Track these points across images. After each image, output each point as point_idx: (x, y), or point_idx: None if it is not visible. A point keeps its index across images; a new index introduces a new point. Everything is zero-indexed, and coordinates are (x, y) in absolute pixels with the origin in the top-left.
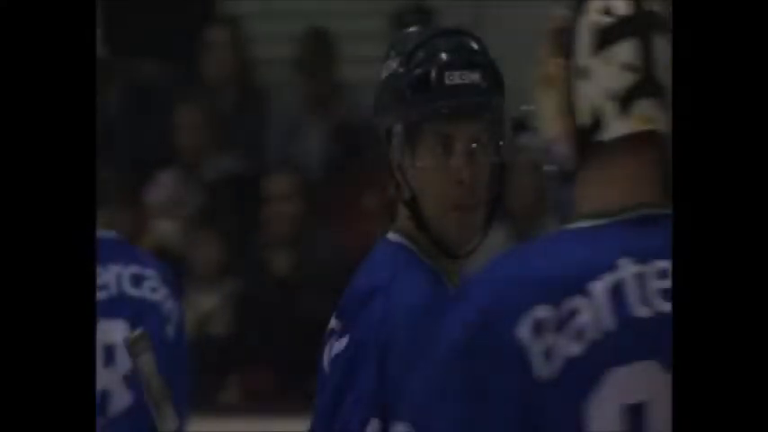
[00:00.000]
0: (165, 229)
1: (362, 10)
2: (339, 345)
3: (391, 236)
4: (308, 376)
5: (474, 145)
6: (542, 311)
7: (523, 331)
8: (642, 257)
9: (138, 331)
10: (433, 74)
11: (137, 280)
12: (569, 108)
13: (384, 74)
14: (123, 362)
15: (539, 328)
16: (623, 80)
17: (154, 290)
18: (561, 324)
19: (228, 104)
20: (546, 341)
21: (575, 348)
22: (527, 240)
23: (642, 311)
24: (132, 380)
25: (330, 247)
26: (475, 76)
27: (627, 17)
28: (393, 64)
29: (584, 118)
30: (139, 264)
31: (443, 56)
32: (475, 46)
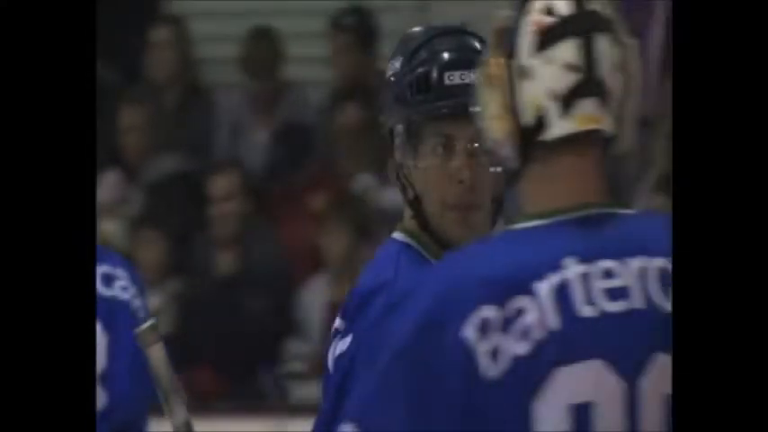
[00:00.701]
0: (109, 229)
1: (307, 9)
2: (342, 344)
3: (396, 235)
4: (251, 376)
5: (475, 145)
6: (488, 311)
7: (469, 331)
8: (587, 257)
9: (148, 322)
10: (434, 74)
11: (108, 279)
12: (512, 108)
13: (388, 74)
14: (98, 362)
15: (484, 328)
16: (565, 80)
17: (124, 289)
18: (507, 324)
19: (173, 104)
20: (492, 341)
21: (520, 348)
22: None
23: (587, 311)
24: (106, 380)
25: (274, 248)
26: (475, 76)
27: (568, 17)
28: (396, 64)
29: (526, 118)
30: (109, 263)
31: (444, 56)
32: (476, 45)
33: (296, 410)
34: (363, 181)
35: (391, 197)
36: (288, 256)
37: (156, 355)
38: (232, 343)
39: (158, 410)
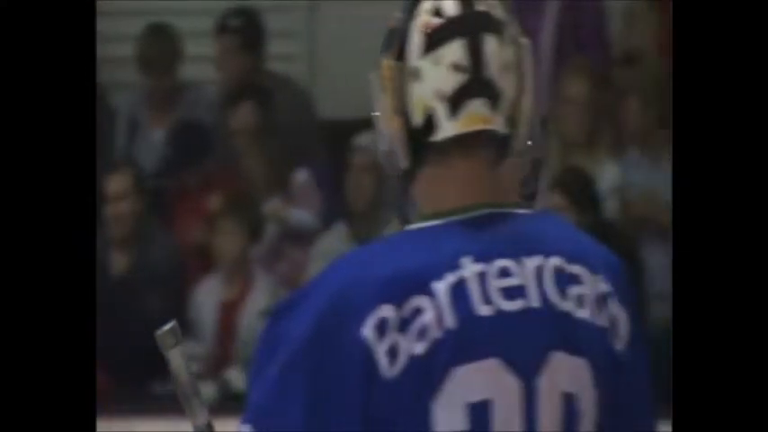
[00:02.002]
0: None
1: (204, 9)
2: None
3: None
4: (145, 377)
5: None
6: (386, 311)
7: (368, 331)
8: (483, 256)
9: (168, 325)
10: None
11: None
12: (402, 110)
13: None
14: None
15: (382, 327)
16: (452, 80)
17: None
18: (404, 324)
19: None
20: (390, 341)
21: (418, 348)
22: (368, 241)
23: (484, 310)
24: None
25: (169, 247)
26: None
27: (455, 18)
28: None
29: (416, 119)
30: None
31: None
32: None
33: None
34: (272, 204)
35: (298, 217)
36: (182, 256)
37: (176, 357)
38: (126, 343)
39: (179, 411)
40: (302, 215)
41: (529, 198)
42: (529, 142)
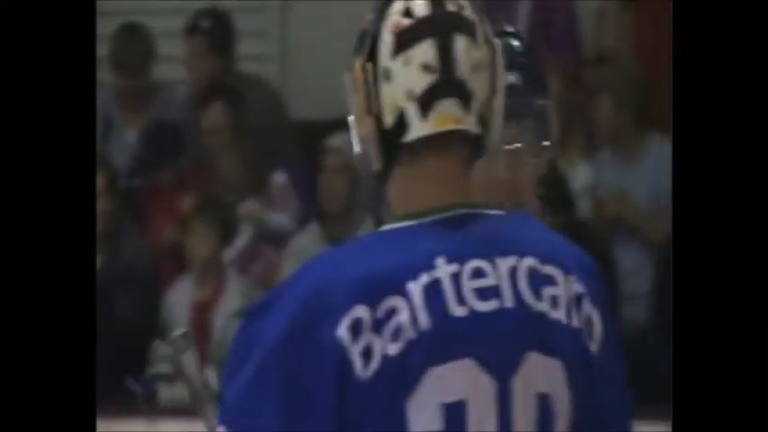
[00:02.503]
0: None
1: (177, 8)
2: None
3: None
4: (117, 377)
5: (517, 145)
6: (360, 312)
7: (342, 332)
8: (456, 257)
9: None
10: None
11: None
12: (374, 110)
13: None
14: None
15: (357, 328)
16: (422, 81)
17: None
18: (379, 324)
19: None
20: (364, 341)
21: (392, 348)
22: (342, 242)
23: (458, 311)
24: None
25: (142, 248)
26: (512, 78)
27: (425, 18)
28: None
29: (388, 120)
30: None
31: None
32: (516, 47)
33: (165, 411)
34: (248, 206)
35: (276, 220)
36: (155, 257)
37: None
38: (99, 344)
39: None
40: (280, 219)
41: (544, 198)
42: (546, 143)
